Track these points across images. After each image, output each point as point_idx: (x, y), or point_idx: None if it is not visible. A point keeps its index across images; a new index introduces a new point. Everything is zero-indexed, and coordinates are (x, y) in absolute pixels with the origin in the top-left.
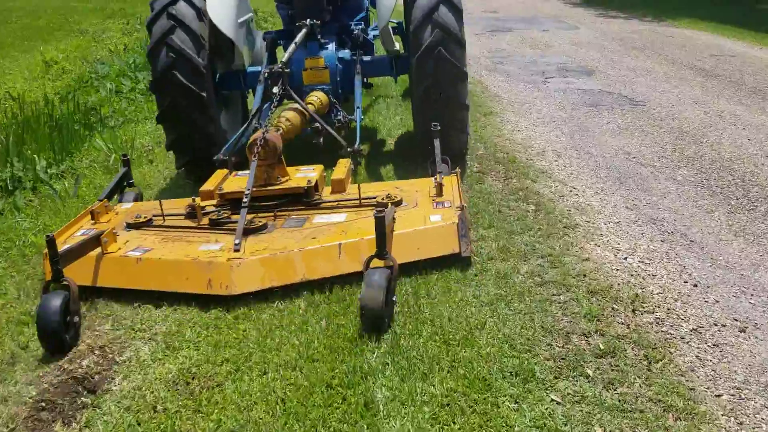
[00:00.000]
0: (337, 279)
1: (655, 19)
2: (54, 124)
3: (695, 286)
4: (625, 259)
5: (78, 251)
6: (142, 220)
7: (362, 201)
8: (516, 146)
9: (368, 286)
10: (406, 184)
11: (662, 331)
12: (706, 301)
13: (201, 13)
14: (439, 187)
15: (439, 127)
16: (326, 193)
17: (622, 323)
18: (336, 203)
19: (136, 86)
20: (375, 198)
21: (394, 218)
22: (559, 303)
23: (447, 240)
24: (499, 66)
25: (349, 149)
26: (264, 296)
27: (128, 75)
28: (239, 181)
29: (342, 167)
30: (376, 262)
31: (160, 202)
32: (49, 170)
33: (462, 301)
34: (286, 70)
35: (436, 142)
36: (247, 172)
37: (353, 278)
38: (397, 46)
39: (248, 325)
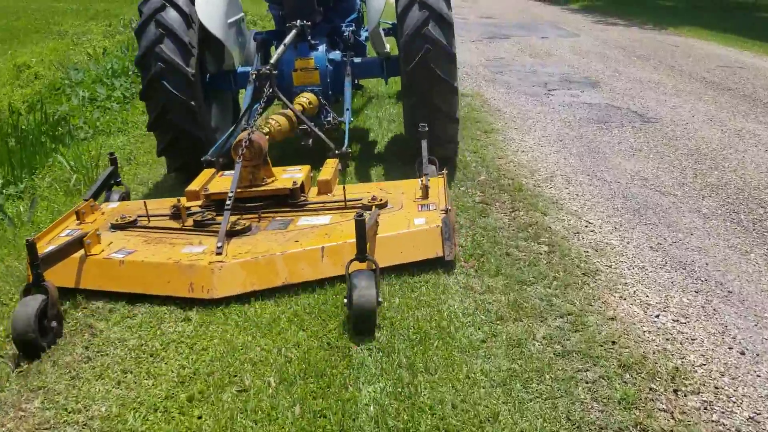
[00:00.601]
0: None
1: (655, 26)
2: (19, 136)
3: (742, 353)
4: (657, 317)
5: (60, 254)
6: (127, 221)
7: (347, 203)
8: (521, 170)
9: (356, 289)
10: (392, 186)
11: (713, 421)
12: (758, 375)
13: (190, 19)
14: (425, 190)
15: (426, 128)
16: (313, 194)
17: (665, 410)
18: (321, 205)
19: (111, 94)
20: (360, 200)
21: (377, 221)
22: (587, 382)
23: (430, 243)
24: (499, 76)
25: (337, 151)
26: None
27: (104, 82)
28: (225, 182)
29: (329, 168)
30: (357, 265)
31: (145, 203)
32: (5, 190)
33: (468, 379)
34: (274, 72)
35: (424, 144)
36: (233, 172)
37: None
38: (388, 47)
39: (204, 410)
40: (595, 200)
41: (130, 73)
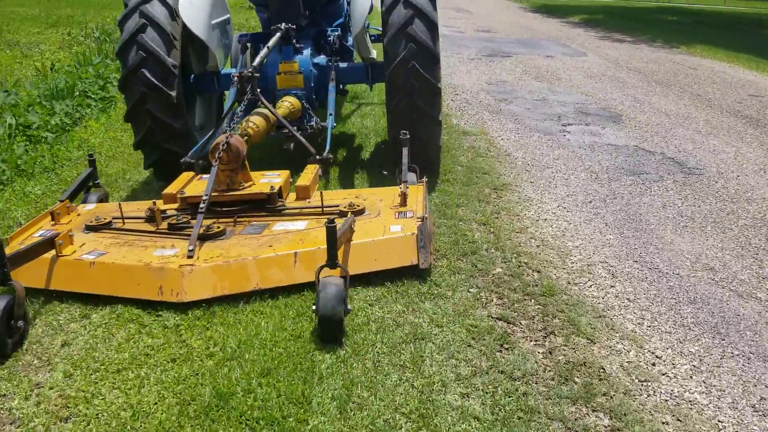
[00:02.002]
0: None
1: (666, 44)
2: None
3: None
4: None
5: (29, 254)
6: (101, 222)
7: (324, 209)
8: (548, 254)
9: (324, 295)
10: (371, 193)
11: None
12: None
13: (174, 12)
14: (403, 197)
15: (408, 136)
16: (291, 199)
17: None
18: (298, 210)
19: (48, 122)
20: (338, 206)
21: (352, 228)
22: None
23: (405, 251)
24: (504, 105)
25: (318, 156)
26: None
27: (43, 105)
28: (202, 185)
29: (308, 173)
30: (328, 272)
31: (120, 205)
32: None
33: None
34: (256, 74)
35: (405, 151)
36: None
37: None
38: (374, 53)
39: None
40: (655, 309)
41: (77, 94)
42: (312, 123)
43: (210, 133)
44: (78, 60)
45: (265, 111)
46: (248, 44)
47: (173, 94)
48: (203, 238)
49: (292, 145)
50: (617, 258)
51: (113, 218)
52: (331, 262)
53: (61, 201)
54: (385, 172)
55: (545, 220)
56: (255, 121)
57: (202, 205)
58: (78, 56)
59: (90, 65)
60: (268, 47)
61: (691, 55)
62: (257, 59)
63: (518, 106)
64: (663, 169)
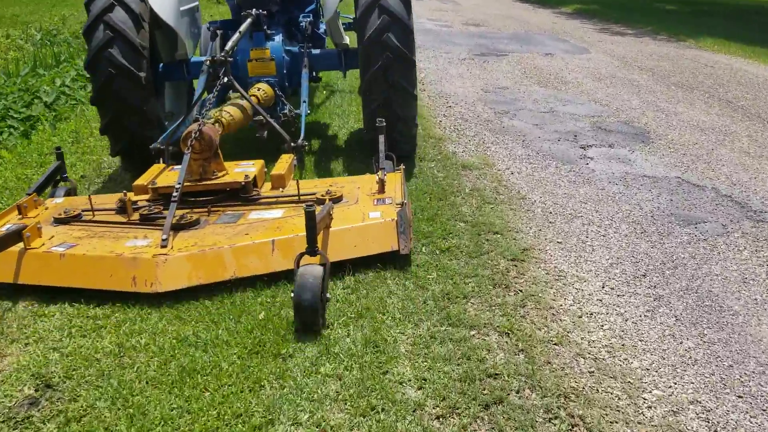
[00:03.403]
0: None
1: (671, 37)
2: None
3: None
4: None
5: None
6: (71, 215)
7: (301, 197)
8: (610, 394)
9: (301, 283)
10: (347, 181)
11: None
12: None
13: (140, 18)
14: (381, 184)
15: (384, 123)
16: (266, 188)
17: None
18: (274, 199)
19: None
20: (314, 194)
21: (331, 215)
22: None
23: (385, 237)
24: (507, 121)
25: (292, 144)
26: None
27: None
28: (174, 176)
29: (283, 162)
30: (307, 259)
31: (90, 198)
32: None
33: None
34: (229, 59)
35: (381, 138)
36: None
37: None
38: (347, 39)
39: None
40: None
41: None
42: (285, 110)
43: (180, 120)
44: (7, 70)
45: (240, 102)
46: (218, 32)
47: (142, 75)
48: (177, 227)
49: (265, 133)
50: (713, 393)
51: (83, 210)
52: (311, 248)
53: (29, 194)
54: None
55: (591, 315)
56: (230, 111)
57: (175, 194)
58: (9, 65)
59: (18, 76)
60: (239, 32)
61: (702, 50)
62: (229, 44)
63: (524, 120)
64: (722, 214)
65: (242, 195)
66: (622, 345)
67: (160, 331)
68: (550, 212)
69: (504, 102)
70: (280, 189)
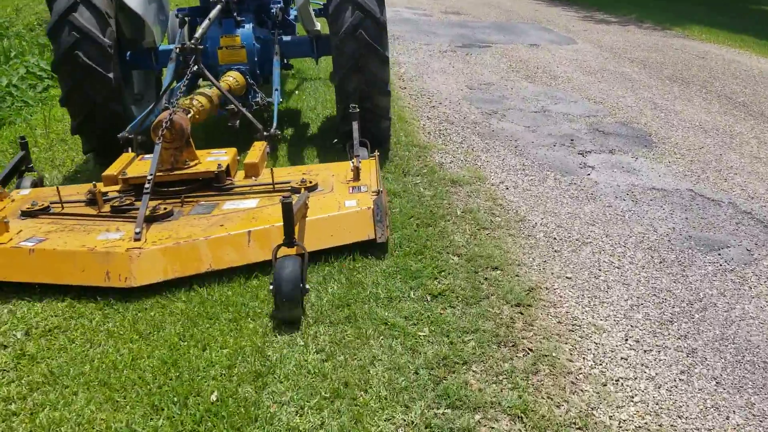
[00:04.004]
0: None
1: (657, 26)
2: None
3: None
4: None
5: None
6: (38, 207)
7: (276, 186)
8: None
9: (280, 275)
10: (322, 168)
11: None
12: None
13: None
14: (356, 172)
15: (357, 110)
16: (239, 177)
17: None
18: (248, 188)
19: None
20: (289, 183)
21: (306, 204)
22: None
23: (362, 226)
24: (496, 123)
25: (265, 132)
26: None
27: None
28: (145, 166)
29: (256, 150)
30: (285, 251)
31: (58, 189)
32: None
33: None
34: (200, 47)
35: (355, 125)
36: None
37: None
38: (318, 26)
39: None
40: None
41: None
42: (257, 99)
43: (149, 108)
44: None
45: (210, 90)
46: (186, 19)
47: (111, 76)
48: (150, 219)
49: (237, 122)
50: None
51: (51, 203)
52: (288, 240)
53: None
54: (335, 140)
55: (616, 381)
56: (200, 100)
57: (147, 186)
58: None
59: None
60: (209, 19)
61: (690, 39)
62: (199, 31)
63: (514, 122)
64: (745, 235)
65: (215, 184)
66: (659, 426)
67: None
68: (554, 238)
69: (491, 101)
70: (254, 178)
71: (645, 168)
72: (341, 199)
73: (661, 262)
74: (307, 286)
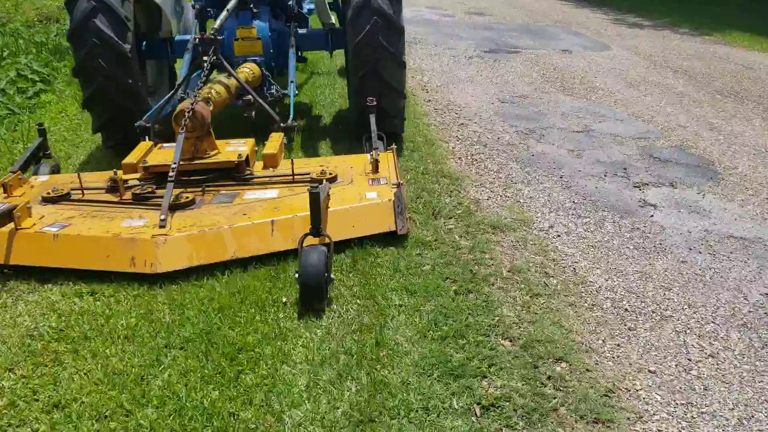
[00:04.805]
0: None
1: (694, 31)
2: None
3: None
4: None
5: None
6: (59, 193)
7: (295, 177)
8: None
9: (306, 264)
10: (340, 160)
11: None
12: None
13: None
14: (375, 164)
15: (375, 103)
16: (258, 168)
17: None
18: (268, 179)
19: None
20: (309, 174)
21: (328, 195)
22: None
23: (383, 217)
24: (534, 145)
25: (282, 124)
26: None
27: None
28: (165, 154)
29: (274, 141)
30: (311, 240)
31: (79, 175)
32: None
33: None
34: (220, 37)
35: (372, 118)
36: (173, 144)
37: None
38: (333, 19)
39: None
40: None
41: None
42: (272, 90)
43: (166, 98)
44: None
45: (226, 78)
46: (206, 9)
47: (126, 47)
48: (173, 207)
49: (253, 113)
50: None
51: (71, 189)
52: (315, 229)
53: (13, 172)
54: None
55: None
56: (216, 89)
57: (171, 174)
58: None
59: None
60: (227, 10)
61: (732, 46)
62: (218, 22)
63: (555, 144)
64: None
65: (235, 174)
66: None
67: None
68: (626, 309)
69: (527, 117)
70: (272, 168)
71: (716, 208)
72: (362, 191)
73: (763, 347)
74: (332, 276)
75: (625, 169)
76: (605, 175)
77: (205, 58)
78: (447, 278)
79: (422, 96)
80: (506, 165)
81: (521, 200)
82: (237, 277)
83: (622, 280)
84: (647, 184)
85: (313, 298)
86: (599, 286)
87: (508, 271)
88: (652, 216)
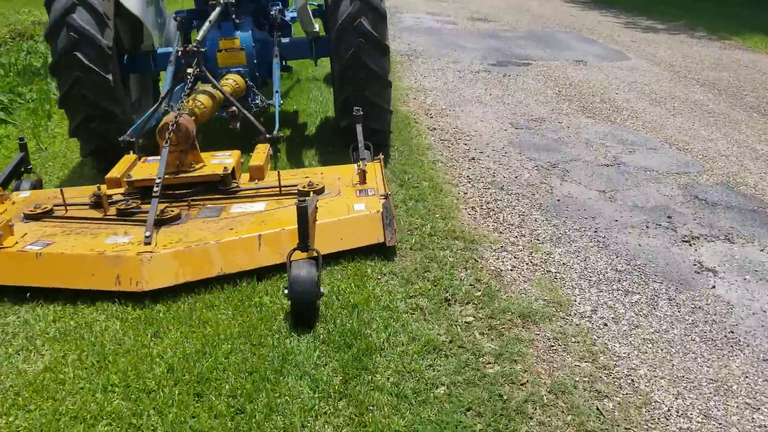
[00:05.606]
0: None
1: (711, 34)
2: None
3: None
4: None
5: None
6: (41, 210)
7: (282, 189)
8: None
9: (296, 279)
10: (327, 171)
11: None
12: None
13: None
14: (362, 175)
15: (361, 112)
16: (244, 180)
17: None
18: (255, 191)
19: None
20: (296, 186)
21: (316, 207)
22: None
23: (372, 229)
24: (559, 185)
25: (267, 135)
26: None
27: None
28: (149, 168)
29: (260, 153)
30: (299, 255)
31: (62, 191)
32: None
33: None
34: (202, 49)
35: (359, 128)
36: (157, 158)
37: None
38: (317, 27)
39: None
40: None
41: None
42: (257, 101)
43: (150, 111)
44: None
45: (210, 90)
46: (184, 21)
47: (109, 77)
48: (158, 223)
49: (238, 124)
50: None
51: (54, 205)
52: (303, 244)
53: None
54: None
55: None
56: (201, 100)
57: (156, 189)
58: None
59: None
60: (209, 21)
61: (755, 52)
62: (200, 33)
63: (582, 183)
64: None
65: (221, 187)
66: None
67: None
68: None
69: (546, 147)
70: (258, 180)
71: None
72: (350, 203)
73: None
74: (322, 290)
75: (669, 217)
76: (647, 227)
77: (188, 70)
78: (469, 409)
79: (425, 123)
80: (528, 216)
81: (552, 269)
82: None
83: (695, 397)
84: (698, 238)
85: (304, 313)
86: (668, 409)
87: (549, 392)
88: (714, 287)
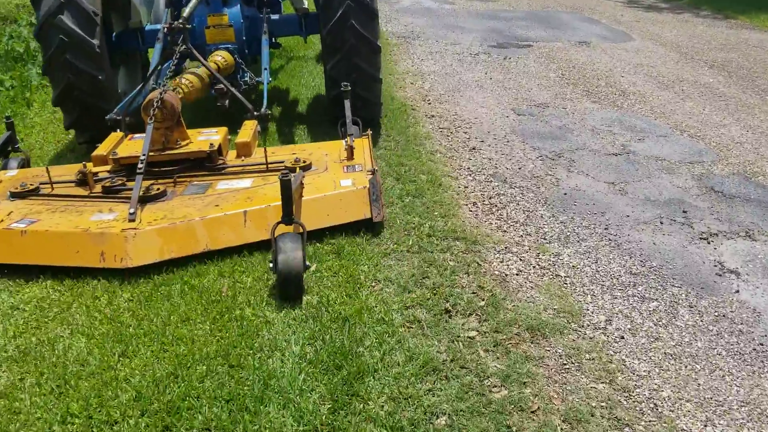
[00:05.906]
0: None
1: (717, 13)
2: None
3: None
4: None
5: None
6: (27, 188)
7: (269, 165)
8: None
9: (282, 251)
10: (315, 148)
11: None
12: None
13: None
14: (350, 151)
15: (349, 88)
16: (231, 157)
17: None
18: (241, 168)
19: None
20: (283, 162)
21: (302, 183)
22: None
23: (358, 205)
24: (565, 177)
25: (255, 112)
26: None
27: None
28: (135, 145)
29: (247, 129)
30: (283, 228)
31: (48, 169)
32: None
33: None
34: (188, 26)
35: (347, 103)
36: (143, 135)
37: None
38: (306, 3)
39: None
40: None
41: None
42: (246, 78)
43: (137, 89)
44: None
45: (200, 69)
46: None
47: (95, 42)
48: (143, 200)
49: (227, 102)
50: None
51: (40, 183)
52: (287, 218)
53: None
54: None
55: None
56: (189, 79)
57: (140, 166)
58: None
59: None
60: None
61: (762, 31)
62: (187, 10)
63: (590, 175)
64: None
65: (207, 164)
66: None
67: None
68: None
69: (550, 135)
70: (245, 157)
71: None
72: (336, 179)
73: None
74: (308, 263)
75: (684, 211)
76: (661, 223)
77: (175, 47)
78: None
79: (423, 109)
80: (534, 212)
81: (561, 273)
82: None
83: (726, 424)
84: (716, 235)
85: (289, 287)
86: None
87: (563, 421)
88: (737, 292)
